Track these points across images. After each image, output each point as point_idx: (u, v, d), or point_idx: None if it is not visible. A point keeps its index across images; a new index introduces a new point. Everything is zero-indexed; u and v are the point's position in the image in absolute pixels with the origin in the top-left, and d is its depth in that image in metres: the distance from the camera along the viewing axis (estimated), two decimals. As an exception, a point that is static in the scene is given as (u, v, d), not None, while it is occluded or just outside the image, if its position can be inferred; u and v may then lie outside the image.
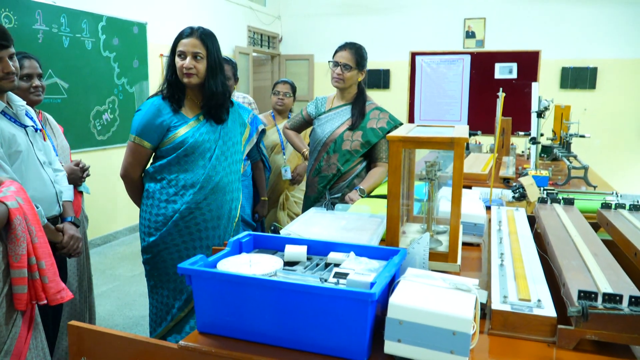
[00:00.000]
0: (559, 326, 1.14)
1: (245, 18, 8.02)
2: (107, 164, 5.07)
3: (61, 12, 4.71)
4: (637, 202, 2.02)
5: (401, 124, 2.76)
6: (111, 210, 5.07)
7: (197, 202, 2.20)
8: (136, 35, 5.68)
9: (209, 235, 2.27)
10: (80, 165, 2.54)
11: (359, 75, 2.75)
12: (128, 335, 1.29)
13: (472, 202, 2.09)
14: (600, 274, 1.31)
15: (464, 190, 2.30)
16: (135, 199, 2.34)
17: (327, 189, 2.74)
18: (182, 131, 2.17)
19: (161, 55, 6.01)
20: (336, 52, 2.75)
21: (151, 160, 2.28)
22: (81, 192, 2.61)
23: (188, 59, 2.14)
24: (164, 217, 2.20)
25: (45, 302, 1.66)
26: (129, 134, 2.21)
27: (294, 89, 3.82)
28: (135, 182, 2.27)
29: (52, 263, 1.65)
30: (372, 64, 8.50)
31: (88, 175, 2.57)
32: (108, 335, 1.31)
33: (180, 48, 2.15)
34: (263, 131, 3.06)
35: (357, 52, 2.73)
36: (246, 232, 1.51)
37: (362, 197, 2.50)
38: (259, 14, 8.37)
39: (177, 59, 2.17)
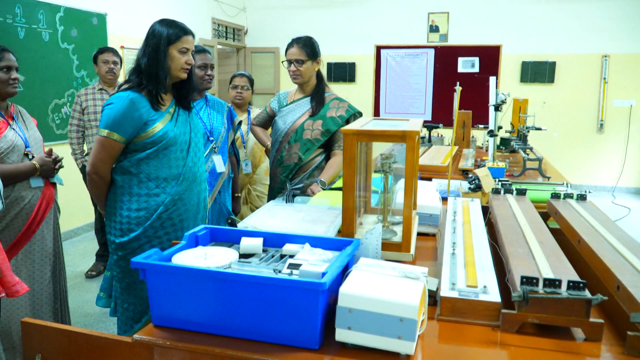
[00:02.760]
0: (503, 310, 1.19)
1: (209, 10, 7.93)
2: (66, 159, 4.95)
3: (16, 2, 4.57)
4: (585, 192, 2.11)
5: (360, 112, 2.81)
6: (71, 207, 4.97)
7: (180, 193, 2.21)
8: (96, 27, 5.56)
9: (190, 225, 2.27)
10: (53, 157, 2.50)
11: (315, 65, 2.78)
12: (82, 330, 1.29)
13: (429, 194, 2.14)
14: (544, 261, 1.36)
15: (422, 182, 2.35)
16: (101, 197, 2.23)
17: (288, 179, 2.77)
18: (160, 125, 2.15)
19: (122, 47, 5.90)
20: (286, 51, 2.79)
21: (121, 154, 2.20)
22: (54, 184, 2.57)
23: (190, 55, 2.20)
24: (147, 211, 2.17)
25: (3, 294, 1.64)
26: (99, 129, 2.11)
27: (251, 81, 3.79)
28: (105, 178, 2.18)
29: (4, 258, 1.63)
30: (337, 57, 8.56)
31: (61, 166, 2.53)
32: (62, 332, 1.30)
33: (185, 45, 2.17)
34: (240, 123, 3.07)
35: (306, 44, 2.76)
36: (202, 226, 1.52)
37: (323, 189, 2.53)
38: (223, 6, 8.29)
39: (177, 54, 2.16)
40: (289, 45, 2.79)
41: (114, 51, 4.23)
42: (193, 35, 2.23)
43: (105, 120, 2.10)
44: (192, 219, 2.29)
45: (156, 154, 2.15)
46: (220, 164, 2.84)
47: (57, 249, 2.63)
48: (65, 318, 2.68)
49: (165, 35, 2.14)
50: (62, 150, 5.08)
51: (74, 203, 4.64)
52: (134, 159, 2.15)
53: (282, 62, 2.85)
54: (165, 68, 2.15)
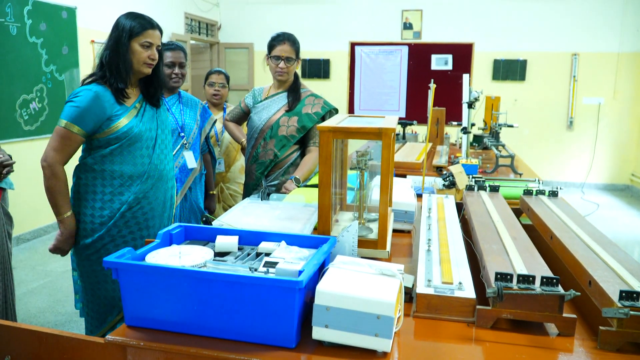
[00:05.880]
0: (478, 307, 1.20)
1: (182, 4, 7.83)
2: (35, 155, 4.79)
3: (-19, -5, 4.44)
4: (556, 188, 2.14)
5: (335, 109, 2.80)
6: (40, 204, 4.86)
7: (145, 191, 2.16)
8: (65, 20, 5.44)
9: (155, 224, 2.24)
10: (3, 159, 2.32)
11: (297, 64, 2.79)
12: (53, 331, 1.26)
13: (404, 191, 2.14)
14: (517, 257, 1.38)
15: (397, 179, 2.36)
16: (53, 190, 2.10)
17: (264, 175, 2.75)
18: (125, 120, 2.10)
19: (92, 41, 5.78)
20: (274, 45, 2.74)
21: (85, 151, 2.16)
22: (1, 189, 2.41)
23: (154, 50, 2.14)
24: (110, 210, 2.12)
25: None
26: (59, 119, 2.05)
27: (228, 78, 3.74)
28: (56, 170, 2.09)
29: None
30: (312, 53, 8.54)
31: (10, 171, 2.32)
32: (33, 332, 1.27)
33: (148, 39, 2.12)
34: (215, 122, 3.04)
35: (296, 43, 2.75)
36: (177, 224, 1.50)
37: (297, 186, 2.52)
38: (196, 1, 8.19)
39: (139, 48, 2.10)
40: (279, 41, 2.72)
41: None
42: (160, 30, 2.18)
43: (67, 112, 2.04)
44: (158, 218, 2.25)
45: (120, 151, 2.11)
46: (191, 159, 2.80)
47: (2, 258, 2.46)
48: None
49: (128, 28, 2.09)
50: (30, 146, 4.98)
51: (42, 201, 4.54)
52: (98, 155, 2.11)
53: (268, 57, 2.77)
54: (126, 62, 2.10)
